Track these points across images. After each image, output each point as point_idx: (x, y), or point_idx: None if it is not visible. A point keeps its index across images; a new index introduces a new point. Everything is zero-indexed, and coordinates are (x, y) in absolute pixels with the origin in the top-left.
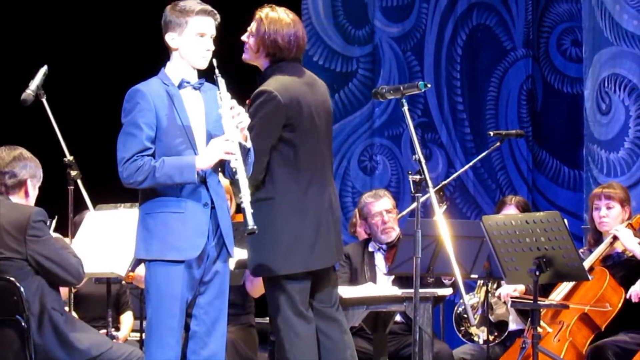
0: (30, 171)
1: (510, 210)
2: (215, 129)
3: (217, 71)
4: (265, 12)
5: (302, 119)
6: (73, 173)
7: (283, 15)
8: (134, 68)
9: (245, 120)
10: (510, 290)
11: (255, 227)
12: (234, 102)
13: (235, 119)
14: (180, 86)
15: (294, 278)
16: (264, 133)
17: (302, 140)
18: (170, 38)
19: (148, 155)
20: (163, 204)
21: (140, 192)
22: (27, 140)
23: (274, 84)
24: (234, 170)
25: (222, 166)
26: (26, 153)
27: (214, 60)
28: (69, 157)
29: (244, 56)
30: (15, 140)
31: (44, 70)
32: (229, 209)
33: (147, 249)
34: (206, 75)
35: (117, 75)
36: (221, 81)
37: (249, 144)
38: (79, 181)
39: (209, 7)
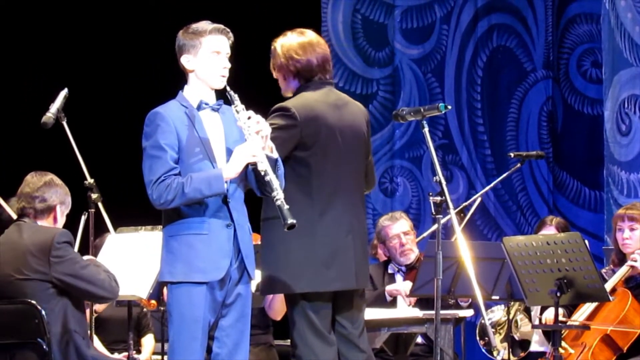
0: (60, 197)
1: (550, 231)
2: (235, 145)
3: (227, 87)
4: (278, 42)
5: (318, 138)
6: (94, 196)
7: (295, 38)
8: (154, 91)
9: (266, 128)
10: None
11: (294, 220)
12: (251, 112)
13: (254, 127)
14: (199, 108)
15: (311, 298)
16: (276, 147)
17: (318, 161)
18: (185, 60)
19: (175, 175)
20: (187, 226)
21: (164, 215)
22: (48, 163)
23: (294, 101)
24: (262, 172)
25: (250, 181)
26: (57, 180)
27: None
28: (89, 180)
29: (282, 90)
30: (36, 164)
31: (64, 93)
32: (250, 230)
33: (171, 272)
34: (223, 96)
35: (137, 98)
36: (234, 95)
37: (275, 154)
38: (99, 204)
39: (221, 26)
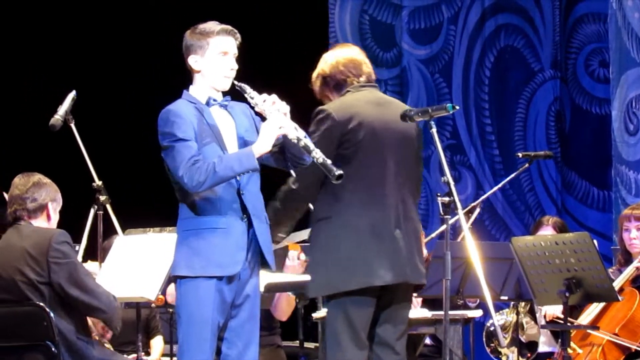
0: (51, 195)
1: (548, 231)
2: (249, 135)
3: (235, 82)
4: (323, 58)
5: (360, 135)
6: (102, 198)
7: (335, 53)
8: (159, 91)
9: (284, 106)
10: (557, 311)
11: (341, 170)
12: (265, 95)
13: (273, 105)
14: (207, 104)
15: (356, 297)
16: (320, 150)
17: (361, 157)
18: (193, 61)
19: (200, 159)
20: (202, 221)
21: (180, 210)
22: (56, 165)
23: (332, 103)
24: (295, 139)
25: (277, 160)
26: (44, 178)
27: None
28: (97, 182)
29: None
30: (43, 166)
31: (72, 95)
32: (267, 220)
33: (189, 266)
34: (230, 95)
35: (143, 98)
36: (244, 85)
37: (301, 132)
38: (108, 206)
39: (229, 27)
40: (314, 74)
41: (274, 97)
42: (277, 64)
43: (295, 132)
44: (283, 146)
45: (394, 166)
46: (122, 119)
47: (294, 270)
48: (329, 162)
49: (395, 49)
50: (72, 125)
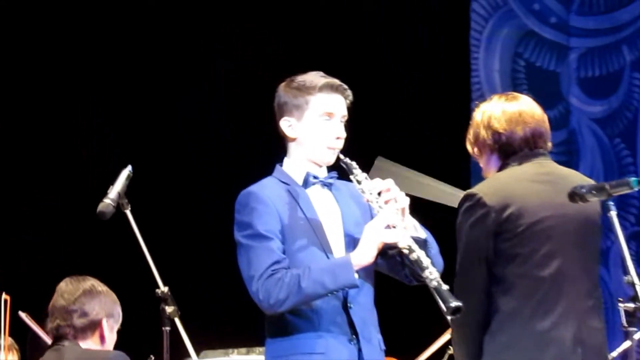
0: (107, 308)
1: None
2: (358, 231)
3: (341, 156)
4: (480, 108)
5: (519, 226)
6: (169, 310)
7: (501, 106)
8: (238, 170)
9: (403, 199)
10: None
11: (459, 302)
12: (379, 180)
13: (385, 196)
14: (306, 184)
15: None
16: (473, 248)
17: (524, 254)
18: (286, 125)
19: (285, 267)
20: (296, 343)
21: (266, 327)
22: (107, 265)
23: (485, 183)
24: (406, 250)
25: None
26: (100, 285)
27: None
28: (162, 289)
29: (483, 171)
30: (92, 268)
31: (127, 171)
32: (382, 344)
33: None
34: (336, 168)
35: (227, 175)
36: (351, 163)
37: (422, 233)
38: (176, 319)
39: (336, 81)
40: (485, 117)
41: (389, 184)
42: (404, 125)
43: (405, 240)
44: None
45: (570, 264)
46: (196, 203)
47: None
48: (445, 288)
49: (560, 105)
50: (128, 212)
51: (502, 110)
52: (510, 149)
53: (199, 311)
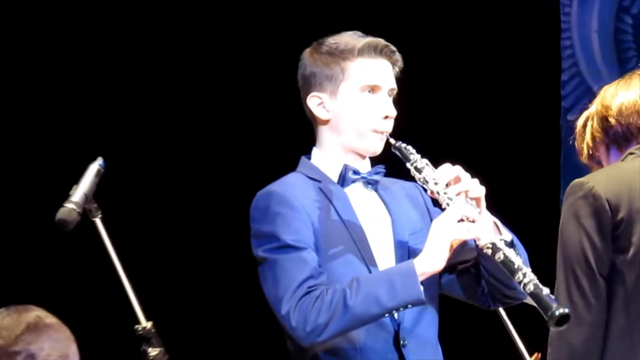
0: (59, 347)
1: None
2: (415, 242)
3: (391, 140)
4: (601, 96)
5: (634, 231)
6: (153, 353)
7: (617, 94)
8: (238, 172)
9: (478, 188)
10: None
11: (565, 309)
12: (447, 165)
13: (456, 187)
14: (343, 181)
15: None
16: (587, 243)
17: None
18: (315, 103)
19: (321, 284)
20: None
21: None
22: (70, 295)
23: (597, 174)
24: (489, 248)
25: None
26: (48, 317)
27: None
28: (144, 324)
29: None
30: (47, 295)
31: (96, 166)
32: None
33: None
34: (385, 160)
35: (220, 180)
36: (406, 148)
37: (506, 234)
38: None
39: (381, 41)
40: (584, 116)
41: (459, 170)
42: (482, 98)
43: (486, 237)
44: (479, 262)
45: None
46: (195, 210)
47: None
48: (545, 292)
49: None
50: (98, 220)
51: (621, 99)
52: (623, 140)
53: (193, 353)
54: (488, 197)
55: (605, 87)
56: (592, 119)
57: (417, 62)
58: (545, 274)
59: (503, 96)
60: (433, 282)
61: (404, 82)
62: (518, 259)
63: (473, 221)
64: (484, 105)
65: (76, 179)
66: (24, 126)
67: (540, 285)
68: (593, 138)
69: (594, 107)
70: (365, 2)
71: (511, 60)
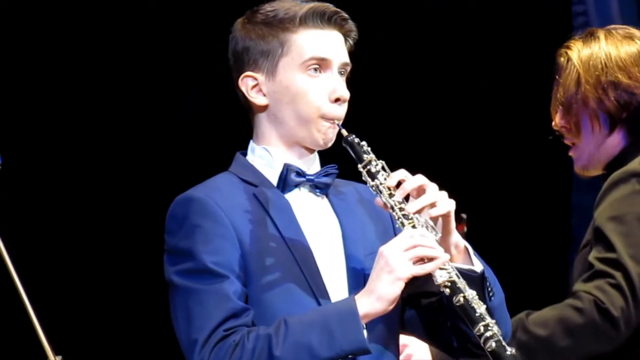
0: None
1: None
2: (371, 261)
3: (344, 131)
4: (576, 50)
5: None
6: None
7: (618, 47)
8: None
9: (444, 201)
10: None
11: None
12: (403, 172)
13: (417, 203)
14: (283, 185)
15: None
16: (631, 236)
17: None
18: (248, 85)
19: (245, 323)
20: None
21: None
22: None
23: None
24: (444, 288)
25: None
26: None
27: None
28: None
29: (577, 165)
30: None
31: None
32: None
33: None
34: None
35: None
36: (360, 144)
37: (477, 264)
38: None
39: (330, 7)
40: (569, 79)
41: (421, 180)
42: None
43: (445, 274)
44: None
45: None
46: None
47: None
48: (509, 351)
49: None
50: None
51: (624, 53)
52: (629, 106)
53: None
54: (485, 199)
55: (597, 40)
56: (587, 83)
57: (412, 62)
58: (553, 276)
59: (500, 96)
60: (393, 319)
61: (399, 81)
62: (481, 305)
63: (432, 248)
64: (482, 105)
65: (76, 179)
66: (24, 126)
67: (504, 343)
68: (585, 109)
69: (584, 64)
70: (361, 3)
71: (506, 60)
